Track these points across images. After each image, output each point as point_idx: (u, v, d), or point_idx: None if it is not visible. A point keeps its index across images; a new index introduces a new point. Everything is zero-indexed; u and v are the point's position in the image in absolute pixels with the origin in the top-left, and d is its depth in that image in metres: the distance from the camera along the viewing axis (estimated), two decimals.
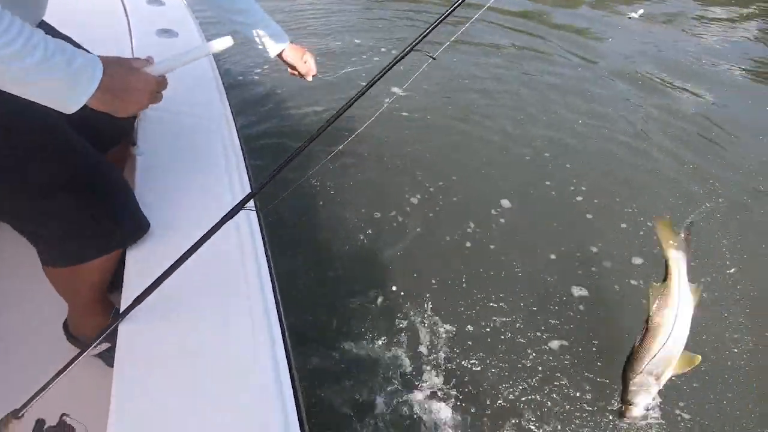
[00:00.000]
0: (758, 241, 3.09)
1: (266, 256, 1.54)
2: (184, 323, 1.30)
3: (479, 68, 5.08)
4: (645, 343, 1.72)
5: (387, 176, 3.42)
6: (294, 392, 1.21)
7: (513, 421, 2.12)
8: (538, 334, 2.48)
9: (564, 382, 2.28)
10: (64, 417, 1.14)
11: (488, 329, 2.48)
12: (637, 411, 1.81)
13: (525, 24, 6.38)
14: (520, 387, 2.25)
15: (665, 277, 1.75)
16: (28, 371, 1.37)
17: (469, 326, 2.48)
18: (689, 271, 1.76)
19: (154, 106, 1.23)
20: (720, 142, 4.12)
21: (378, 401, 2.14)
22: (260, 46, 1.82)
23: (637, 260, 2.88)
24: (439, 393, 2.19)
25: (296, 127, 3.93)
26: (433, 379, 2.24)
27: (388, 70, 1.09)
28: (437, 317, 2.51)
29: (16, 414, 1.05)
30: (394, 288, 2.64)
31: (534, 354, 2.38)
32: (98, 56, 1.05)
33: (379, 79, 1.10)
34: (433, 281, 2.70)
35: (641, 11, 7.10)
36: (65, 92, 0.95)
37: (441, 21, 1.07)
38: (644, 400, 1.79)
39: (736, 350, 2.45)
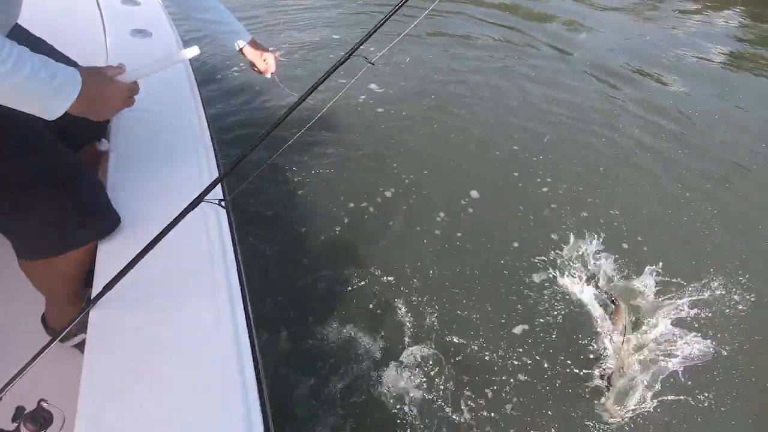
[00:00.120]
0: (728, 228, 3.26)
1: (233, 244, 1.63)
2: (153, 311, 1.39)
3: (456, 61, 5.18)
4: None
5: (362, 169, 3.53)
6: (257, 379, 1.29)
7: (478, 402, 2.25)
8: (502, 319, 2.61)
9: (528, 366, 2.41)
10: (42, 403, 1.22)
11: (454, 314, 2.61)
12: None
13: (502, 16, 6.48)
14: (485, 369, 2.38)
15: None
16: (7, 363, 1.46)
17: (435, 311, 2.61)
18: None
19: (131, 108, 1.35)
20: (690, 133, 4.28)
21: (343, 387, 2.25)
22: (223, 42, 1.92)
23: (594, 247, 3.01)
24: (406, 375, 2.31)
25: (270, 119, 4.01)
26: (401, 362, 2.36)
27: (332, 72, 1.19)
28: (405, 303, 2.63)
29: None
30: (362, 275, 2.76)
31: (498, 338, 2.51)
32: (77, 69, 1.18)
33: (322, 82, 1.19)
34: (402, 269, 2.82)
35: None
36: (49, 103, 1.11)
37: (382, 24, 1.18)
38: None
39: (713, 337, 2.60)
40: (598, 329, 2.59)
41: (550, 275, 2.83)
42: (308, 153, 3.61)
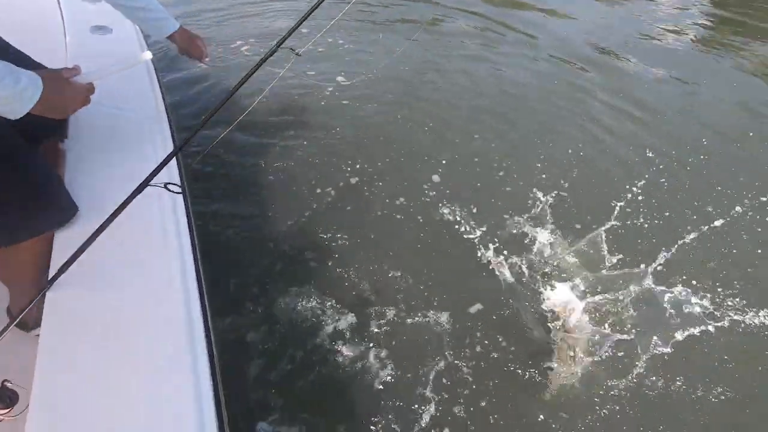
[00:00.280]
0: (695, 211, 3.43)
1: (189, 227, 1.72)
2: (107, 292, 1.48)
3: (424, 50, 5.27)
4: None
5: (327, 157, 3.63)
6: (210, 357, 1.38)
7: (432, 379, 2.37)
8: (459, 298, 2.75)
9: (482, 343, 2.55)
10: (6, 383, 1.32)
11: (413, 295, 2.74)
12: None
13: (471, 2, 6.52)
14: (441, 347, 2.51)
15: None
16: None
17: (394, 291, 2.74)
18: None
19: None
20: (656, 118, 4.43)
21: (297, 366, 2.35)
22: (151, 29, 2.02)
23: (546, 228, 3.17)
24: (363, 353, 2.43)
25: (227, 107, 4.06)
26: (358, 340, 2.49)
27: (258, 68, 1.28)
28: (365, 283, 2.76)
29: None
30: (323, 258, 2.87)
31: (454, 317, 2.65)
32: (37, 72, 1.32)
33: (252, 73, 1.28)
34: (363, 253, 2.94)
35: None
36: (12, 105, 1.24)
37: (305, 18, 1.27)
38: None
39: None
40: (551, 307, 2.74)
41: (505, 256, 2.97)
42: (276, 142, 3.70)
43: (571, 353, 2.52)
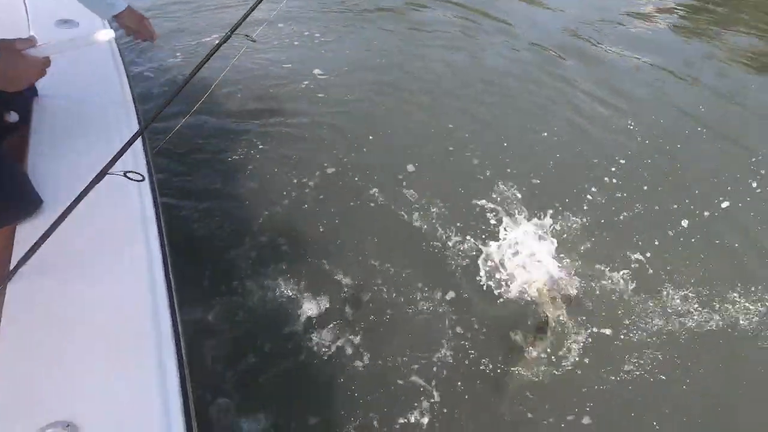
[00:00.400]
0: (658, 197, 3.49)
1: (156, 215, 1.72)
2: (68, 284, 1.48)
3: (400, 41, 5.28)
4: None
5: (302, 149, 3.64)
6: (177, 349, 1.37)
7: (407, 367, 2.41)
8: (434, 286, 2.78)
9: (455, 330, 2.59)
10: None
11: (385, 281, 2.77)
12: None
13: None
14: (416, 335, 2.54)
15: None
16: None
17: (368, 280, 2.77)
18: None
19: (54, 89, 1.43)
20: (627, 107, 4.49)
21: (266, 357, 2.36)
22: (97, 10, 2.00)
23: (520, 214, 3.23)
24: (336, 342, 2.46)
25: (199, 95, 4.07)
26: (331, 329, 2.52)
27: (212, 54, 1.29)
28: (339, 272, 2.78)
29: None
30: (295, 248, 2.89)
31: (428, 305, 2.68)
32: None
33: (205, 62, 1.29)
34: (337, 241, 2.96)
35: None
36: None
37: (258, 4, 1.28)
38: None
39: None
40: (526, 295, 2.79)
41: (478, 244, 3.01)
42: (250, 134, 3.69)
43: (545, 341, 2.57)
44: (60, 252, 1.47)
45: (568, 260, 2.94)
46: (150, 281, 1.54)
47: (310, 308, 2.57)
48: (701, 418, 2.34)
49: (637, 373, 2.46)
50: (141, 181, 1.43)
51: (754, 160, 3.95)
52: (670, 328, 2.66)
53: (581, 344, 2.54)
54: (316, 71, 4.59)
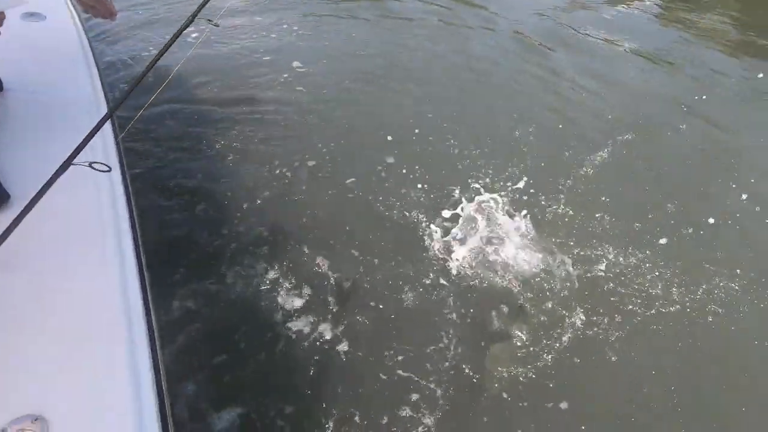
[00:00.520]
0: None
1: (128, 206, 1.68)
2: (36, 279, 1.44)
3: (381, 33, 5.26)
4: None
5: (283, 140, 3.61)
6: (150, 341, 1.35)
7: (387, 352, 2.42)
8: (413, 273, 2.79)
9: (435, 318, 2.60)
10: None
11: (366, 271, 2.77)
12: None
13: None
14: (397, 323, 2.55)
15: None
16: None
17: (347, 269, 2.76)
18: None
19: (21, 83, 1.39)
20: (607, 92, 4.55)
21: (244, 349, 2.35)
22: None
23: (483, 185, 3.31)
24: (316, 331, 2.45)
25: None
26: (310, 318, 2.50)
27: (176, 38, 1.27)
28: (318, 262, 2.76)
29: None
30: (275, 238, 2.87)
31: (410, 293, 2.69)
32: None
33: (171, 43, 1.27)
34: (315, 229, 2.95)
35: None
36: None
37: None
38: None
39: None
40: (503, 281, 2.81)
41: (460, 232, 3.03)
42: (230, 126, 3.66)
43: (522, 324, 2.59)
44: (28, 246, 1.44)
45: (545, 246, 2.96)
46: (121, 274, 1.51)
47: (288, 299, 2.56)
48: (680, 407, 2.38)
49: (614, 358, 2.50)
50: (108, 171, 1.40)
51: (734, 145, 4.03)
52: (646, 314, 2.70)
53: (558, 332, 2.56)
54: (295, 63, 4.55)
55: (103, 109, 2.09)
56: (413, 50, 4.94)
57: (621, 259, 2.95)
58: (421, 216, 3.10)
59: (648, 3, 6.74)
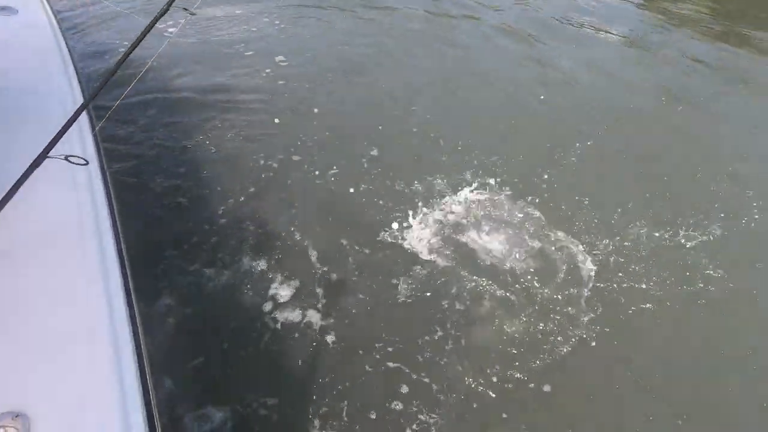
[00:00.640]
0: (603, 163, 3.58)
1: (108, 199, 1.65)
2: (16, 274, 1.41)
3: (363, 26, 5.24)
4: None
5: (267, 134, 3.59)
6: (134, 336, 1.32)
7: (372, 343, 2.40)
8: (398, 264, 2.79)
9: (424, 308, 2.61)
10: None
11: (353, 262, 2.76)
12: None
13: None
14: (381, 314, 2.54)
15: None
16: None
17: (333, 261, 2.75)
18: None
19: None
20: (582, 87, 4.58)
21: (227, 340, 2.33)
22: None
23: (468, 175, 3.32)
24: (301, 324, 2.43)
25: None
26: (295, 310, 2.48)
27: (151, 27, 1.25)
28: (303, 254, 2.76)
29: None
30: (258, 231, 2.85)
31: (394, 281, 2.69)
32: None
33: (147, 32, 1.24)
34: (301, 222, 2.94)
35: None
36: None
37: None
38: None
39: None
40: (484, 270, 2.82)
41: (444, 221, 3.04)
42: (213, 120, 3.64)
43: (511, 314, 2.60)
44: (4, 244, 1.40)
45: (533, 235, 2.98)
46: (103, 269, 1.48)
47: (274, 291, 2.55)
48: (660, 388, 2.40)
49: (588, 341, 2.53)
50: (85, 165, 1.37)
51: (714, 129, 4.10)
52: (623, 300, 2.72)
53: (547, 322, 2.58)
54: (279, 58, 4.52)
55: (79, 101, 2.05)
56: (397, 41, 4.93)
57: (605, 244, 2.98)
58: (406, 207, 3.10)
59: None
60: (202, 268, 2.59)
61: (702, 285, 2.82)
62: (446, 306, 2.59)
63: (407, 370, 2.29)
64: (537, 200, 3.19)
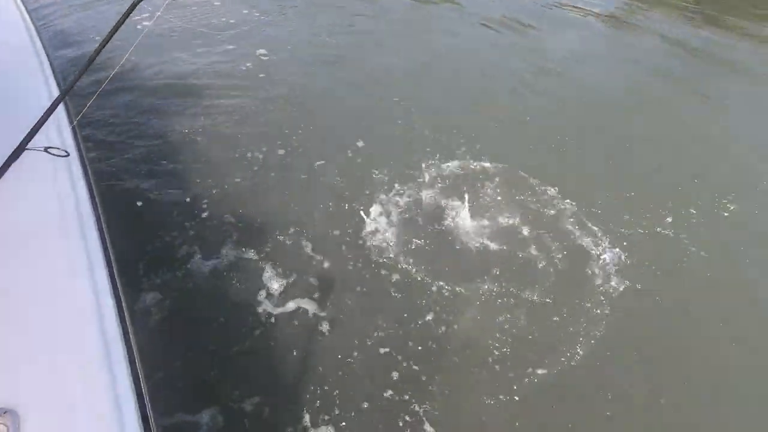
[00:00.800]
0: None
1: (89, 192, 1.62)
2: (3, 268, 1.39)
3: (347, 17, 5.20)
4: None
5: (251, 126, 3.56)
6: (124, 333, 1.31)
7: (364, 333, 2.41)
8: (387, 254, 2.78)
9: (415, 297, 2.61)
10: None
11: (343, 253, 2.76)
12: None
13: None
14: (372, 307, 2.53)
15: None
16: None
17: (322, 252, 2.75)
18: None
19: None
20: (563, 77, 4.61)
21: (218, 332, 2.31)
22: None
23: (453, 164, 3.33)
24: (291, 316, 2.43)
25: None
26: (285, 303, 2.48)
27: (128, 16, 1.23)
28: (292, 246, 2.75)
29: None
30: (244, 222, 2.83)
31: (385, 273, 2.69)
32: None
33: (122, 23, 1.23)
34: (288, 215, 2.93)
35: None
36: None
37: None
38: None
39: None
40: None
41: (431, 211, 3.06)
42: (195, 112, 3.61)
43: (502, 298, 2.62)
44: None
45: (522, 220, 3.01)
46: (88, 262, 1.46)
47: (262, 282, 2.54)
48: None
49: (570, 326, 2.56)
50: (65, 156, 1.35)
51: (701, 106, 4.16)
52: (606, 286, 2.75)
53: (537, 305, 2.61)
54: (261, 51, 4.48)
55: (55, 93, 2.01)
56: (381, 34, 4.91)
57: (588, 230, 3.02)
58: (393, 196, 3.11)
59: None
60: (187, 259, 2.58)
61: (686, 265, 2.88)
62: (437, 292, 2.59)
63: (397, 356, 2.31)
64: (524, 185, 3.22)
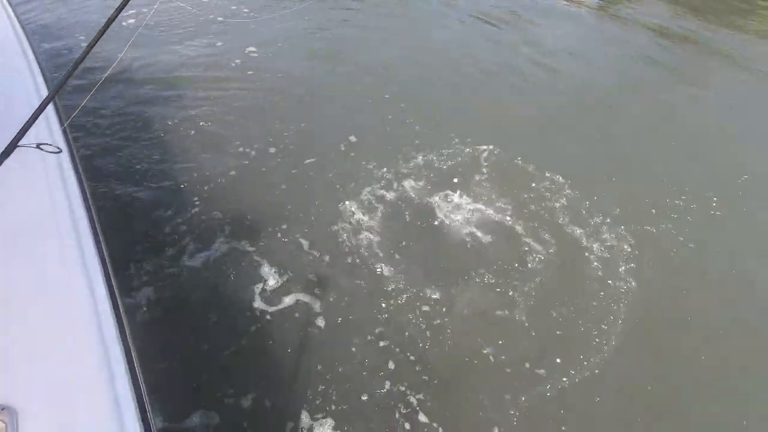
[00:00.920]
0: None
1: (81, 189, 1.61)
2: (1, 263, 1.39)
3: (337, 13, 5.19)
4: None
5: (244, 122, 3.56)
6: (120, 329, 1.31)
7: (360, 327, 2.43)
8: (380, 247, 2.80)
9: (409, 290, 2.62)
10: None
11: (336, 246, 2.77)
12: None
13: None
14: (367, 301, 2.54)
15: None
16: None
17: (316, 246, 2.76)
18: None
19: None
20: (557, 72, 4.62)
21: (213, 328, 2.32)
22: None
23: (445, 156, 3.35)
24: (287, 311, 2.44)
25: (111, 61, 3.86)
26: (280, 298, 2.48)
27: (121, 10, 1.23)
28: (286, 240, 2.76)
29: None
30: (238, 218, 2.84)
31: (378, 266, 2.71)
32: None
33: (114, 18, 1.23)
34: (281, 211, 2.93)
35: None
36: None
37: None
38: None
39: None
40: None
41: (424, 203, 3.07)
42: (186, 110, 3.59)
43: (501, 290, 2.64)
44: None
45: (521, 215, 3.04)
46: (82, 259, 1.46)
47: (257, 279, 2.54)
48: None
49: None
50: (58, 152, 1.35)
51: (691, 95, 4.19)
52: (594, 274, 2.78)
53: (537, 298, 2.63)
54: (250, 48, 4.46)
55: (44, 92, 2.00)
56: (371, 30, 4.91)
57: (579, 222, 3.05)
58: (387, 189, 3.13)
59: None
60: (181, 255, 2.57)
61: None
62: (435, 283, 2.61)
63: (395, 348, 2.32)
64: (515, 177, 3.24)
